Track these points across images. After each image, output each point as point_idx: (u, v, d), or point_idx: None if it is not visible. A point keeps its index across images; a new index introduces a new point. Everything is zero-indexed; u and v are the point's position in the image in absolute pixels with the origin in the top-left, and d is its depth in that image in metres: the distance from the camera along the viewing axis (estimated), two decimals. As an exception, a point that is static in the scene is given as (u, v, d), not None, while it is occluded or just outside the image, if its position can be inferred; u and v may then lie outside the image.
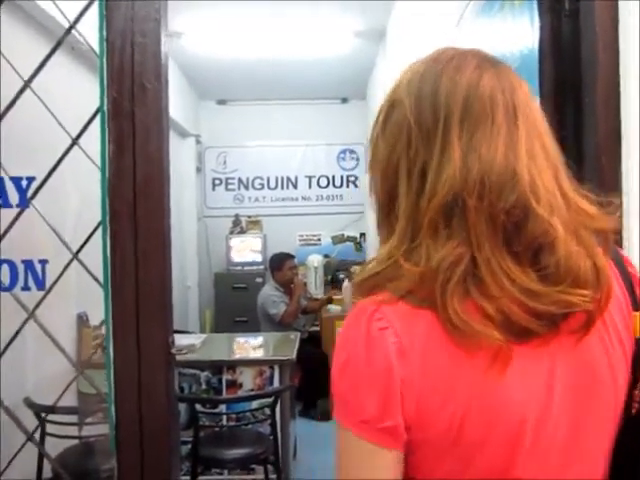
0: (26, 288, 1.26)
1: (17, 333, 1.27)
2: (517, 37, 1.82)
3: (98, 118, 1.23)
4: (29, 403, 2.35)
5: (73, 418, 2.52)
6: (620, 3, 1.22)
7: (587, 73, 1.29)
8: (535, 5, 1.44)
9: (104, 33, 1.19)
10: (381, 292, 0.67)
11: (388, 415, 0.63)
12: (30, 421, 2.12)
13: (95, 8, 1.24)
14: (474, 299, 0.63)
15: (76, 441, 2.51)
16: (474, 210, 0.65)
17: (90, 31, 1.31)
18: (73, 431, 2.50)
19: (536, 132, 0.69)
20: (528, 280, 0.63)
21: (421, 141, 0.68)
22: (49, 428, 2.37)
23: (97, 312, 1.30)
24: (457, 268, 0.63)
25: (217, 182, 6.39)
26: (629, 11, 1.19)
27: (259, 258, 6.03)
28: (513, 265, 0.64)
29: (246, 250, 6.10)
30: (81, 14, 1.24)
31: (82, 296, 2.88)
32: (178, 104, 5.22)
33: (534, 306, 0.63)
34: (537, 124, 0.70)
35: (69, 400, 2.63)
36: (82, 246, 1.26)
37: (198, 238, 6.11)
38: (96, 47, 1.23)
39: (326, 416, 4.58)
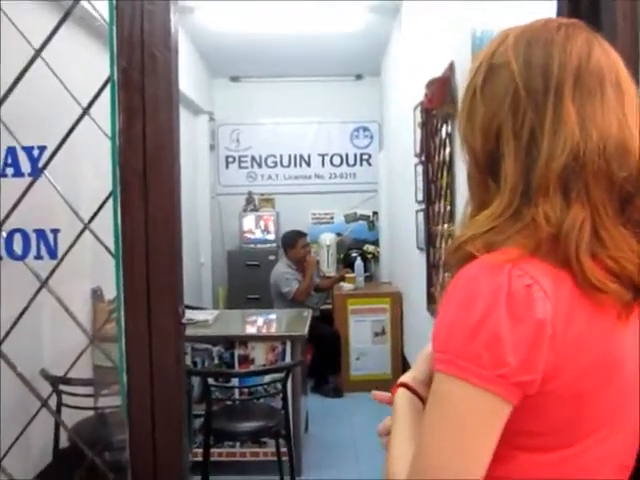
0: (39, 257, 1.27)
1: (31, 301, 1.29)
2: (533, 10, 1.78)
3: (108, 88, 1.23)
4: (45, 375, 2.39)
5: (89, 390, 2.57)
6: (639, -27, 1.18)
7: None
8: (553, -26, 1.40)
9: (114, 1, 1.18)
10: (502, 247, 0.68)
11: (530, 369, 0.64)
12: (47, 393, 2.17)
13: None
14: (600, 259, 0.67)
15: (92, 412, 2.56)
16: (594, 175, 0.68)
17: (99, 2, 1.30)
18: (89, 403, 2.55)
19: (637, 110, 0.72)
20: (638, 245, 0.68)
21: (530, 105, 0.70)
22: (65, 399, 2.42)
23: (112, 287, 1.31)
24: (585, 230, 0.66)
25: (230, 160, 6.38)
26: (649, -21, 1.16)
27: (272, 236, 6.05)
28: (626, 231, 0.68)
29: (259, 227, 6.12)
30: (91, -17, 1.24)
31: (97, 271, 2.92)
32: (191, 81, 5.20)
33: None
34: (637, 102, 0.73)
35: (86, 373, 2.68)
36: (94, 216, 1.27)
37: (211, 216, 6.13)
38: (106, 16, 1.23)
39: (337, 393, 4.62)
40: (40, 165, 1.27)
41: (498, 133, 0.73)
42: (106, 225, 1.30)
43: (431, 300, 3.49)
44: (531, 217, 0.68)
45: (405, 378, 0.84)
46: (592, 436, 0.70)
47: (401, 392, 0.83)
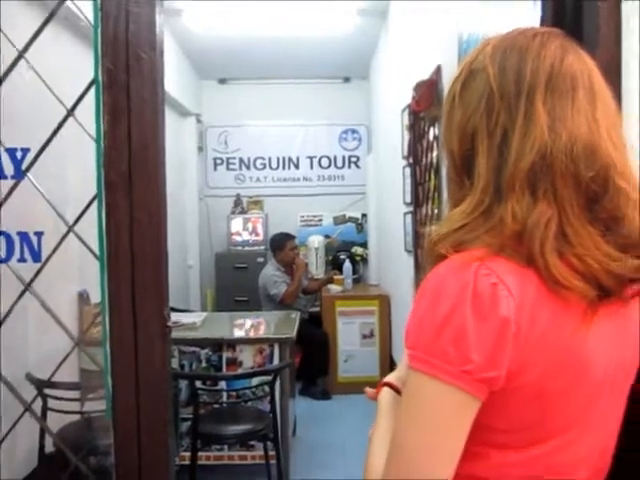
0: (22, 260, 1.26)
1: (15, 304, 1.28)
2: (519, 15, 1.80)
3: (93, 89, 1.22)
4: (30, 378, 2.36)
5: (75, 394, 2.55)
6: (622, -22, 1.20)
7: (588, 48, 1.28)
8: (537, -20, 1.41)
9: (98, 2, 1.17)
10: (470, 247, 0.70)
11: (494, 366, 0.65)
12: (33, 397, 2.14)
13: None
14: (566, 257, 0.68)
15: (78, 417, 2.54)
16: (561, 174, 0.69)
17: (85, 2, 1.29)
18: (75, 407, 2.53)
19: (612, 118, 0.74)
20: (605, 244, 0.69)
21: (503, 108, 0.73)
22: (51, 404, 2.39)
23: (98, 290, 1.30)
24: (551, 228, 0.68)
25: (218, 162, 6.36)
26: (631, -15, 1.17)
27: (260, 238, 6.04)
28: (593, 229, 0.69)
29: (247, 230, 6.11)
30: (75, -16, 1.23)
31: (84, 274, 2.90)
32: (179, 83, 5.18)
33: (612, 268, 0.68)
34: (612, 110, 0.75)
35: (73, 377, 2.65)
36: (78, 218, 1.26)
37: (199, 218, 6.10)
38: (91, 18, 1.22)
39: (325, 395, 4.62)
40: (23, 167, 1.26)
41: (474, 134, 0.75)
42: (93, 228, 1.30)
43: (419, 302, 3.49)
44: (499, 216, 0.70)
45: (389, 377, 0.86)
46: (561, 436, 0.71)
47: (385, 391, 0.85)
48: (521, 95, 0.72)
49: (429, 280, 0.70)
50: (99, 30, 1.19)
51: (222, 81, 6.30)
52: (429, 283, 0.70)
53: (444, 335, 0.66)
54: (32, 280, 1.29)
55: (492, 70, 0.74)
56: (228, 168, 6.35)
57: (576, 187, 0.70)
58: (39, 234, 1.28)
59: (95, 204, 1.26)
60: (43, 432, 2.41)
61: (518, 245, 0.69)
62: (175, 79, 4.97)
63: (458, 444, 0.67)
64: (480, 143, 0.74)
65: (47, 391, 2.35)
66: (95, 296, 2.91)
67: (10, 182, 1.28)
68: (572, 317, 0.69)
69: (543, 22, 1.35)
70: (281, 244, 4.90)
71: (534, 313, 0.67)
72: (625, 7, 1.21)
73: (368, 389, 0.92)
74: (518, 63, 0.73)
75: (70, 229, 1.27)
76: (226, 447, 3.24)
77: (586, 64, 0.75)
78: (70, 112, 1.27)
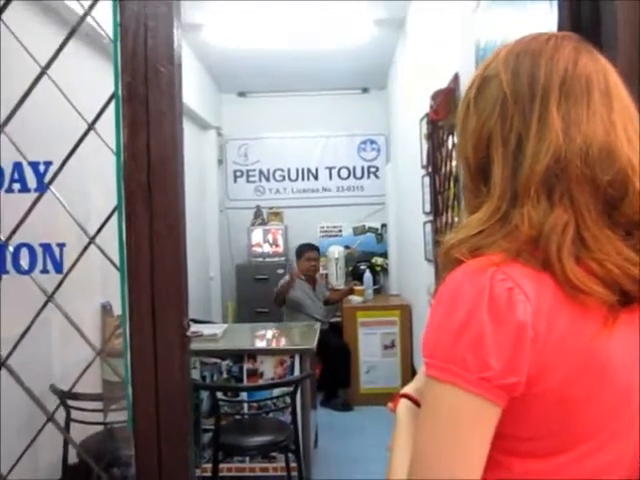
0: (45, 271, 1.28)
1: (37, 316, 1.29)
2: (536, 21, 1.79)
3: (113, 103, 1.24)
4: (54, 389, 2.39)
5: (98, 405, 2.57)
6: (640, -19, 1.18)
7: (607, 53, 1.27)
8: (553, -15, 1.41)
9: (118, 18, 1.20)
10: (487, 252, 0.69)
11: (514, 371, 0.64)
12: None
13: (109, -5, 1.25)
14: (584, 262, 0.67)
15: (101, 428, 2.56)
16: (577, 178, 0.68)
17: (104, 18, 1.32)
18: (99, 418, 2.55)
19: (629, 116, 0.73)
20: (626, 249, 0.68)
21: (517, 112, 0.72)
22: (75, 415, 2.42)
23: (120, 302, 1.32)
24: (568, 233, 0.67)
25: (238, 174, 6.42)
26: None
27: (280, 249, 6.06)
28: (612, 234, 0.68)
29: (267, 241, 6.13)
30: (95, 1, 1.26)
31: (107, 286, 2.93)
32: (199, 96, 5.25)
33: (633, 273, 0.67)
34: (630, 109, 0.74)
35: (96, 388, 2.68)
36: (99, 230, 1.28)
37: (220, 230, 6.15)
38: (110, 33, 1.24)
39: (347, 406, 4.59)
40: (46, 180, 1.28)
41: (489, 141, 0.74)
42: (115, 241, 1.31)
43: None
44: (516, 222, 0.69)
45: (407, 389, 0.85)
46: (585, 443, 0.69)
47: (402, 403, 0.83)
48: (535, 99, 0.71)
49: (445, 286, 0.69)
50: (118, 45, 1.21)
51: (242, 94, 6.37)
52: (445, 289, 0.69)
53: (461, 342, 0.65)
54: (54, 291, 1.31)
55: (505, 75, 0.74)
56: (248, 180, 6.40)
57: (593, 192, 0.69)
58: (61, 245, 1.30)
59: (116, 217, 1.27)
60: (66, 444, 2.44)
61: (534, 250, 0.68)
62: (196, 93, 5.04)
63: (481, 453, 0.65)
64: (495, 151, 0.73)
65: (70, 402, 2.37)
66: (118, 308, 2.95)
67: (33, 195, 1.31)
68: (592, 322, 0.67)
69: (560, 29, 1.34)
70: (300, 253, 4.97)
71: (551, 318, 0.66)
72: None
73: (390, 404, 0.91)
74: (531, 67, 0.73)
75: (91, 241, 1.28)
76: (247, 459, 3.24)
77: (601, 65, 0.74)
78: (91, 126, 1.29)
